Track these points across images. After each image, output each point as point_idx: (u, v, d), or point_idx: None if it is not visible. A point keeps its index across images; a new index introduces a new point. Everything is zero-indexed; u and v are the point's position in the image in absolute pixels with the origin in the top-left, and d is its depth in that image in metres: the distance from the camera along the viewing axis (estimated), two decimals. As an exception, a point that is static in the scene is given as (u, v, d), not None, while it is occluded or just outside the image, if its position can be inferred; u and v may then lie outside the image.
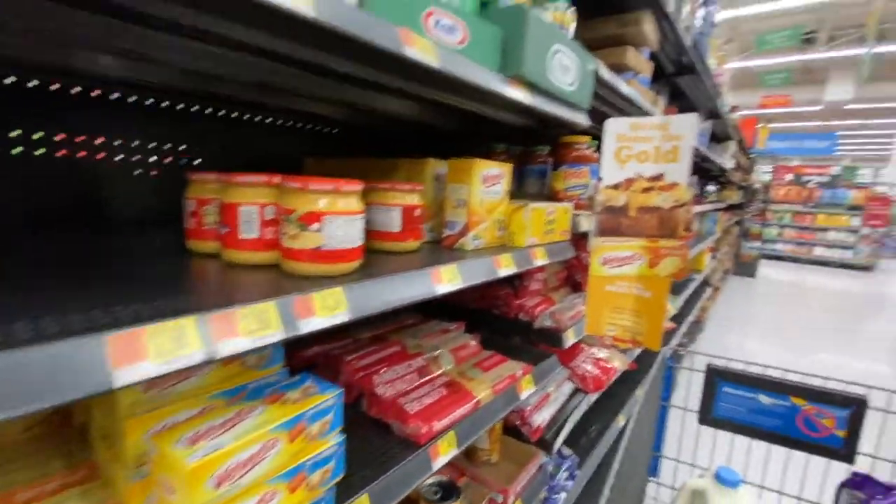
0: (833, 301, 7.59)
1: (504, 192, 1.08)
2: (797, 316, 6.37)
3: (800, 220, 11.81)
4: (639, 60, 1.63)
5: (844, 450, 1.21)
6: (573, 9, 1.16)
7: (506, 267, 0.94)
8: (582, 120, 1.22)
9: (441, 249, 0.99)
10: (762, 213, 9.43)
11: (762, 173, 9.58)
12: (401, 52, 0.58)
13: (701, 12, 3.04)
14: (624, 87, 1.40)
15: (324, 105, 1.16)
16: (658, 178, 1.15)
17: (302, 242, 0.60)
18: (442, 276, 0.74)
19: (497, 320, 1.45)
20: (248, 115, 1.24)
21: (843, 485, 1.19)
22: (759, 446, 1.36)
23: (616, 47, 1.59)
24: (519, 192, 1.60)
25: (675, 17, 1.86)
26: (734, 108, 5.07)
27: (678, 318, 3.42)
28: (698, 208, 3.79)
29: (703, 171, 4.90)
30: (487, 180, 0.99)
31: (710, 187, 4.76)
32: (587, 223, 1.33)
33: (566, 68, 1.02)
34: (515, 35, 0.84)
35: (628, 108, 1.60)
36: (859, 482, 1.14)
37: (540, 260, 1.10)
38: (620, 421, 1.86)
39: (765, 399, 1.29)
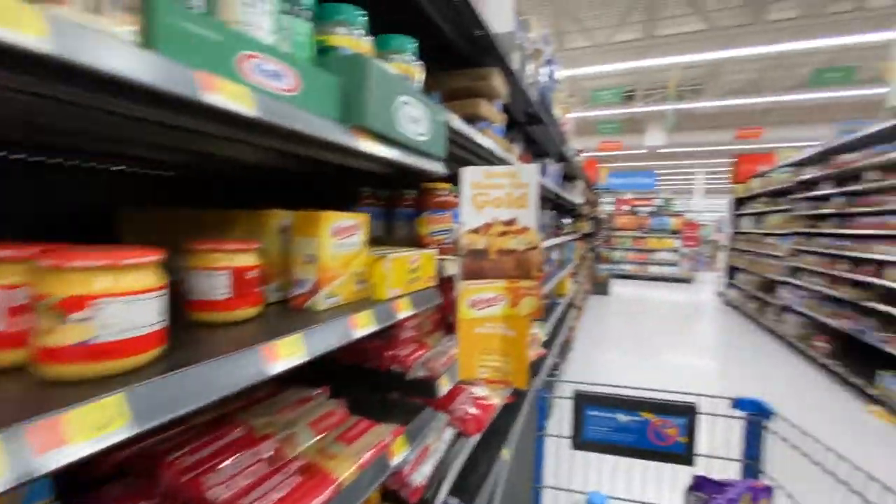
0: (667, 309, 9.05)
1: (361, 243, 1.02)
2: (643, 324, 7.43)
3: (637, 243, 14.00)
4: (492, 111, 1.75)
5: (686, 454, 1.33)
6: (420, 62, 1.19)
7: (364, 326, 0.87)
8: (439, 168, 1.24)
9: (289, 312, 0.88)
10: (609, 239, 10.96)
11: (606, 205, 11.19)
12: (198, 98, 0.50)
13: (545, 70, 3.47)
14: (478, 137, 1.47)
15: (142, 147, 0.98)
16: (512, 222, 1.21)
17: (60, 337, 0.45)
18: (278, 351, 0.64)
19: (370, 375, 1.36)
20: (40, 159, 0.99)
21: (689, 488, 1.32)
22: (624, 462, 1.47)
23: (470, 99, 1.68)
24: (389, 235, 1.56)
25: (521, 74, 2.06)
26: (579, 152, 5.86)
27: (549, 342, 3.68)
28: (558, 239, 4.21)
29: (559, 206, 5.52)
30: (340, 233, 0.92)
31: (567, 220, 5.36)
32: (453, 267, 1.34)
33: (416, 119, 1.02)
34: (356, 84, 0.81)
35: (486, 155, 1.70)
36: (699, 483, 1.27)
37: (404, 312, 1.05)
38: (505, 455, 1.87)
39: (622, 417, 1.38)
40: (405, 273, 1.13)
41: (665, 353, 5.87)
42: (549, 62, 3.60)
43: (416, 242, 1.44)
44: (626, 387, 1.43)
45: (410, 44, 1.17)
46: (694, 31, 9.32)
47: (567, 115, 5.64)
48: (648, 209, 14.44)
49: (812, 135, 13.17)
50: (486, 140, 1.55)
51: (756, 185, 8.54)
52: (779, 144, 12.58)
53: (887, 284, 4.12)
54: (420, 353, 1.40)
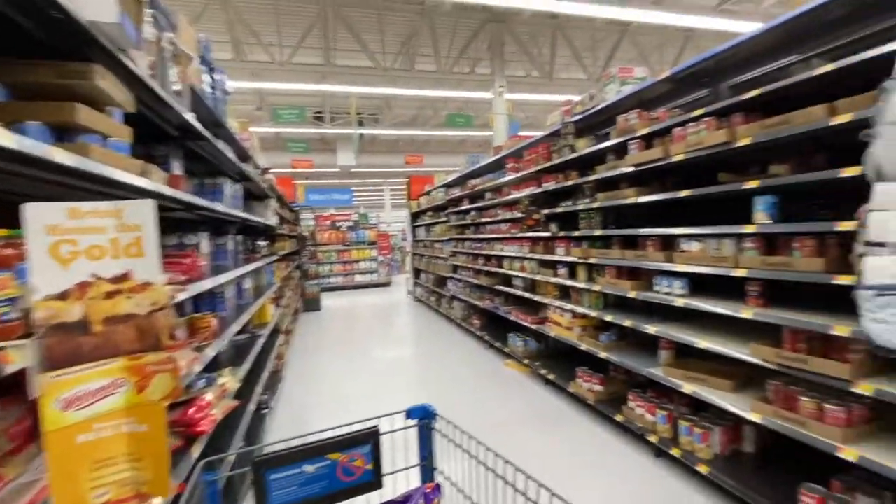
0: (372, 311, 9.92)
1: None
2: (353, 329, 7.85)
3: (342, 256, 14.78)
4: (103, 121, 1.32)
5: (374, 479, 1.32)
6: None
7: None
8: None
9: None
10: (314, 255, 11.07)
11: (308, 222, 11.26)
12: None
13: (207, 79, 3.05)
14: (63, 156, 1.04)
15: None
16: (124, 278, 0.90)
17: None
18: None
19: None
20: None
21: None
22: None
23: (63, 103, 1.21)
24: None
25: (154, 80, 1.67)
26: (266, 170, 5.57)
27: (248, 387, 3.28)
28: (251, 266, 3.83)
29: (248, 230, 5.08)
30: None
31: (262, 243, 4.99)
32: (23, 356, 0.89)
33: None
34: None
35: (92, 181, 1.26)
36: None
37: None
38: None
39: (309, 468, 1.26)
40: None
41: (374, 350, 6.47)
42: (212, 70, 3.19)
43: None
44: (311, 433, 1.32)
45: None
46: (364, 66, 10.53)
47: (250, 130, 5.25)
48: (348, 223, 15.48)
49: (458, 162, 17.32)
50: (86, 162, 1.13)
51: (424, 202, 10.45)
52: (436, 169, 15.84)
53: (503, 272, 5.76)
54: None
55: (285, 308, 6.44)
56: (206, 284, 2.15)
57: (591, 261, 3.76)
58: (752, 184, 2.34)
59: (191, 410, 1.89)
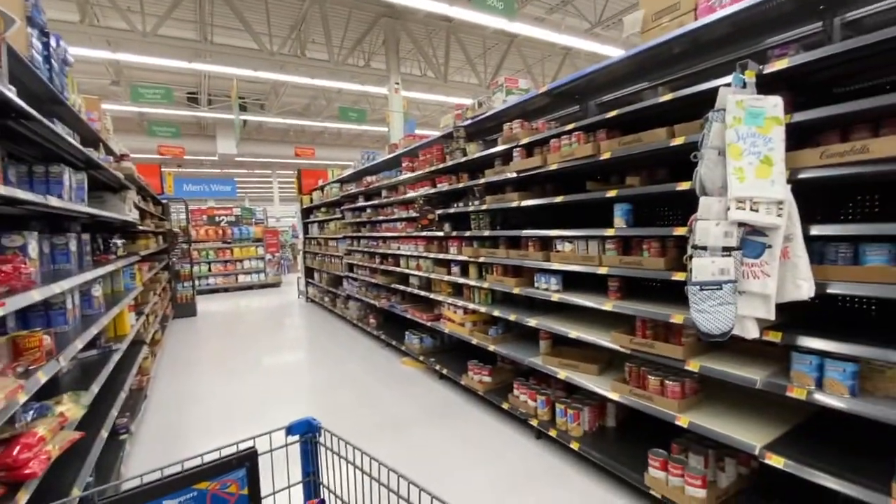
0: (259, 315, 9.19)
1: None
2: (239, 336, 7.18)
3: (222, 254, 13.41)
4: None
5: None
6: None
7: None
8: None
9: None
10: (187, 254, 9.87)
11: (180, 216, 9.97)
12: None
13: (38, 45, 2.52)
14: None
15: None
16: None
17: None
18: None
19: None
20: None
21: None
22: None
23: None
24: None
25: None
26: (123, 156, 4.80)
27: (100, 409, 2.81)
28: (101, 270, 3.27)
29: (103, 226, 4.34)
30: None
31: (117, 241, 4.29)
32: None
33: None
34: None
35: None
36: None
37: None
38: None
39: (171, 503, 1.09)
40: None
41: (260, 357, 5.97)
42: (45, 34, 2.65)
43: None
44: (173, 463, 1.17)
45: None
46: (248, 48, 9.67)
47: (102, 108, 4.48)
48: (229, 218, 14.09)
49: (353, 156, 16.83)
50: None
51: (317, 197, 9.98)
52: (330, 162, 15.25)
53: (400, 271, 5.78)
54: None
55: (150, 315, 5.64)
56: (35, 296, 1.78)
57: (481, 259, 3.96)
58: (612, 192, 2.67)
59: (15, 450, 1.55)
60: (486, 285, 3.93)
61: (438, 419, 3.83)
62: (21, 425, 1.81)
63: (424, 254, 5.00)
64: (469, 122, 4.06)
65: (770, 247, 1.84)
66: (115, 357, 3.32)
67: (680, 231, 2.24)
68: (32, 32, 2.47)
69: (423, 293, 5.23)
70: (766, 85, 1.97)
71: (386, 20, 10.09)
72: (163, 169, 10.66)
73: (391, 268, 6.07)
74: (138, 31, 8.41)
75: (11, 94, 1.75)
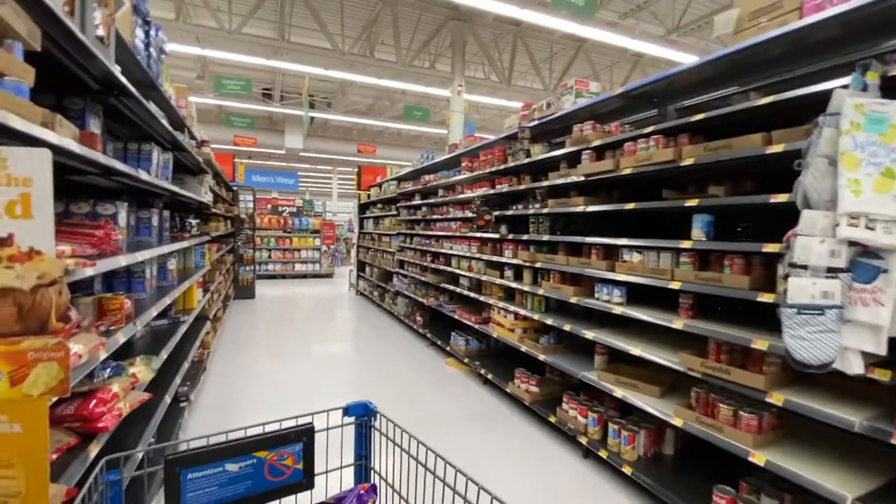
0: (314, 303, 9.54)
1: None
2: (293, 322, 7.48)
3: (282, 243, 14.09)
4: (-3, 56, 1.10)
5: (305, 479, 1.21)
6: None
7: None
8: None
9: None
10: (251, 239, 10.43)
11: (248, 204, 10.59)
12: None
13: (140, 33, 2.73)
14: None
15: None
16: (4, 242, 0.73)
17: None
18: None
19: None
20: None
21: None
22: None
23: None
24: None
25: (70, 18, 1.43)
26: (203, 143, 5.14)
27: (166, 375, 2.99)
28: (178, 245, 3.49)
29: (181, 205, 4.66)
30: None
31: (192, 221, 4.59)
32: None
33: None
34: None
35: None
36: None
37: None
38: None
39: (232, 467, 1.13)
40: None
41: (311, 343, 6.19)
42: (147, 23, 2.86)
43: None
44: (235, 429, 1.19)
45: None
46: (321, 47, 10.09)
47: (189, 98, 4.82)
48: (291, 209, 14.78)
49: (410, 157, 17.12)
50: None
51: (374, 193, 10.21)
52: (389, 161, 15.57)
53: (450, 270, 5.75)
54: None
55: (214, 294, 5.99)
56: (121, 261, 1.90)
57: (537, 265, 3.83)
58: (693, 202, 2.47)
59: (91, 403, 1.66)
60: (540, 292, 3.80)
61: (479, 423, 3.74)
62: (98, 381, 1.94)
63: (477, 255, 4.93)
64: (536, 122, 3.95)
65: (886, 271, 1.60)
66: (183, 329, 3.53)
67: (771, 248, 2.02)
68: (136, 20, 2.67)
69: (472, 295, 5.16)
70: (887, 89, 1.73)
71: (454, 23, 10.17)
72: (235, 159, 11.36)
73: (442, 267, 6.06)
74: (224, 28, 9.03)
75: (117, 70, 1.89)
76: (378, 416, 1.38)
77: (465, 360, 5.00)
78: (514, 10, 7.06)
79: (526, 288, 3.98)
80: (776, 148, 2.03)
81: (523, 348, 4.00)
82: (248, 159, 21.09)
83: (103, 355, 1.65)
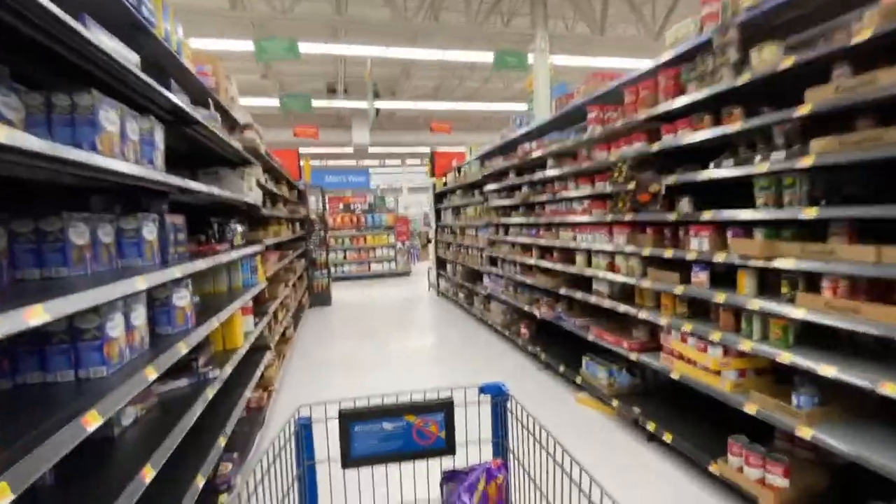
0: (394, 308, 8.48)
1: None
2: (373, 333, 6.41)
3: (356, 242, 13.33)
4: None
5: (447, 447, 1.29)
6: None
7: None
8: None
9: None
10: (324, 241, 9.59)
11: (318, 204, 9.76)
12: None
13: None
14: None
15: None
16: None
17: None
18: None
19: None
20: None
21: (442, 481, 1.27)
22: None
23: None
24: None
25: None
26: (247, 126, 4.04)
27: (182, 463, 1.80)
28: (210, 259, 2.34)
29: (221, 208, 3.55)
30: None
31: (236, 227, 3.50)
32: None
33: None
34: None
35: None
36: (450, 476, 1.25)
37: None
38: None
39: (387, 426, 1.26)
40: None
41: (397, 363, 5.07)
42: None
43: None
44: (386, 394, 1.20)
45: None
46: (381, 22, 8.86)
47: (224, 71, 3.75)
48: (363, 206, 13.98)
49: (483, 139, 15.54)
50: None
51: (451, 179, 8.83)
52: (459, 148, 14.15)
53: (573, 271, 4.16)
54: None
55: (279, 312, 4.99)
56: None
57: (776, 263, 2.14)
58: None
59: None
60: (783, 311, 2.11)
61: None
62: None
63: (626, 248, 3.31)
64: (756, 11, 2.21)
65: None
66: (209, 392, 2.37)
67: None
68: None
69: (621, 307, 3.52)
70: None
71: (534, -36, 8.39)
72: (301, 150, 10.54)
73: (557, 266, 4.49)
74: (278, 9, 8.12)
75: None
76: (511, 398, 1.36)
77: (614, 403, 3.42)
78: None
79: (754, 305, 2.29)
80: None
81: (752, 408, 2.33)
82: (318, 161, 20.94)
83: None
